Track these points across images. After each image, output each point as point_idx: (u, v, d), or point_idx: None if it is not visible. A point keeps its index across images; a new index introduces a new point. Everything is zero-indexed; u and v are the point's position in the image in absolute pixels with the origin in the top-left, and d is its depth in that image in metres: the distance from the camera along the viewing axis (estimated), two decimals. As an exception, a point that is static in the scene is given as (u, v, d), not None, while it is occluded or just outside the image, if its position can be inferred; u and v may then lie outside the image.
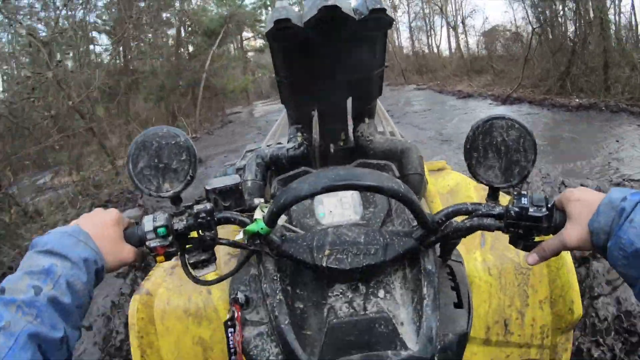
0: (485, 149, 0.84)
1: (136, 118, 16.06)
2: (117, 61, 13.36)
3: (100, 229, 0.78)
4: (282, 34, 1.18)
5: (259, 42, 26.10)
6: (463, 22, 25.31)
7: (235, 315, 0.92)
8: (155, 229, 0.81)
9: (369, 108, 1.64)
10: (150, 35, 14.98)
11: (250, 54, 26.69)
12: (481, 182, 0.85)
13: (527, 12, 13.67)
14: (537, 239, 0.81)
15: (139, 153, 0.83)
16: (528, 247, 0.82)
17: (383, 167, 1.44)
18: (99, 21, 14.15)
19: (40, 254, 0.69)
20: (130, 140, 13.92)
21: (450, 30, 25.74)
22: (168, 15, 15.69)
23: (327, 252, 0.87)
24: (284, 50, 1.31)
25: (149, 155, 0.83)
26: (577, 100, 9.69)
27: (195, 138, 13.66)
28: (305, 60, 1.33)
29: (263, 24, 22.76)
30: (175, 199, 0.86)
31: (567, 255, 1.19)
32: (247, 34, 24.53)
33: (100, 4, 13.65)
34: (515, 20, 23.26)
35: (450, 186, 1.64)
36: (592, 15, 10.97)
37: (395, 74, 25.17)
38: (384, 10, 1.14)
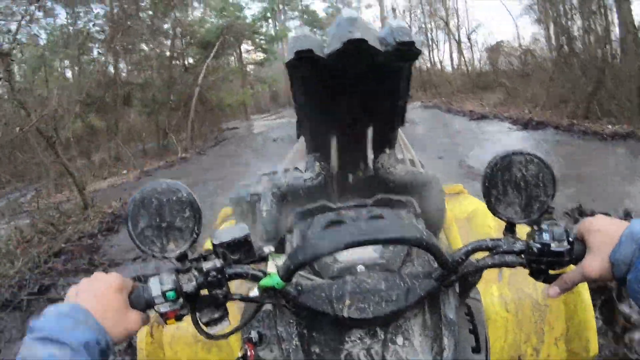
0: (504, 186, 0.83)
1: (125, 133, 15.07)
2: (99, 70, 12.20)
3: (102, 299, 0.73)
4: (302, 64, 1.12)
5: (260, 55, 25.29)
6: (469, 38, 24.45)
7: (249, 354, 0.91)
8: (163, 294, 0.77)
9: (390, 138, 1.57)
10: (143, 45, 13.90)
11: (250, 67, 25.79)
12: (501, 219, 0.84)
13: (547, 26, 12.65)
14: (557, 270, 0.80)
15: (138, 212, 0.79)
16: (548, 279, 0.80)
17: (404, 203, 1.38)
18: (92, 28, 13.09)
19: (37, 342, 0.64)
20: (115, 158, 12.84)
21: (454, 45, 24.93)
22: (167, 25, 14.54)
23: (347, 302, 0.83)
24: (303, 79, 1.25)
25: (150, 214, 0.80)
26: (611, 127, 8.51)
27: (185, 159, 12.46)
28: (325, 89, 1.30)
29: (262, 37, 21.88)
30: (181, 257, 0.81)
31: (585, 292, 1.17)
32: (247, 46, 23.61)
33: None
34: (518, 35, 22.23)
35: (468, 212, 1.64)
36: (618, 31, 9.91)
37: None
38: (412, 43, 1.08)
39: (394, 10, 25.88)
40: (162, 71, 13.56)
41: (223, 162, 10.78)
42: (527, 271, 0.81)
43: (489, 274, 1.21)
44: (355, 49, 1.07)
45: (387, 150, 1.56)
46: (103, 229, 5.85)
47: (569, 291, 0.79)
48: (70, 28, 13.00)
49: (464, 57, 23.95)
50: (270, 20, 22.52)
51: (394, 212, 1.23)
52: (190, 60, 15.93)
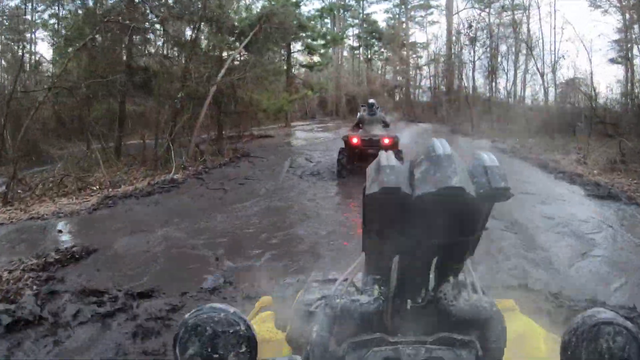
0: (587, 356, 0.76)
1: (135, 124, 11.83)
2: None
3: None
4: (384, 198, 0.98)
5: (314, 59, 21.67)
6: (553, 70, 19.78)
7: None
8: None
9: (457, 268, 1.31)
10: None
11: (299, 69, 22.15)
12: None
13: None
14: None
15: (188, 338, 0.72)
16: None
17: (466, 344, 1.21)
18: None
19: None
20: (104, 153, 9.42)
21: (523, 74, 20.73)
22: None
23: None
24: (379, 207, 1.09)
25: (201, 342, 0.72)
26: None
27: (173, 183, 8.62)
28: (400, 219, 1.13)
29: (313, 36, 18.22)
30: None
31: None
32: (298, 46, 19.92)
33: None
34: (592, 73, 17.35)
35: (518, 333, 1.51)
36: None
37: (461, 119, 19.84)
38: (508, 189, 0.94)
39: (470, 27, 21.47)
40: (165, 60, 9.86)
41: (212, 209, 6.93)
42: None
43: None
44: (450, 195, 0.90)
45: (452, 280, 1.28)
46: None
47: None
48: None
49: (545, 90, 19.45)
50: (328, 21, 18.78)
51: (455, 354, 1.09)
52: (212, 50, 12.06)
